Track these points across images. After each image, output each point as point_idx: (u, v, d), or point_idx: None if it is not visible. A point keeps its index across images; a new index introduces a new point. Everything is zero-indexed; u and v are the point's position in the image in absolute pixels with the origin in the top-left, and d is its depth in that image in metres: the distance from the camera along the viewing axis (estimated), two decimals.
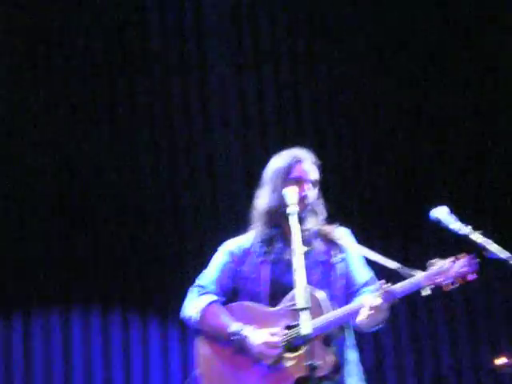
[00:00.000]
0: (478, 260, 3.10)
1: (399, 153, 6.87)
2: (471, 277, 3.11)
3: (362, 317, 3.21)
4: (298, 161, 3.50)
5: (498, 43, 6.72)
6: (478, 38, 6.78)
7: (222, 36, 6.81)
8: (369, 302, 3.16)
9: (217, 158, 6.78)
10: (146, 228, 6.60)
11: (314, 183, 3.48)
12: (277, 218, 3.45)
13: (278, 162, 3.54)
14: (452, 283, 3.09)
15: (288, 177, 3.46)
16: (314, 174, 3.50)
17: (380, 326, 3.28)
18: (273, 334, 3.28)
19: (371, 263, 3.47)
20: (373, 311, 3.15)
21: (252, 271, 3.45)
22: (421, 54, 6.85)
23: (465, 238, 3.16)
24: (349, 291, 3.42)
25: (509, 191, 6.77)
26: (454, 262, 3.12)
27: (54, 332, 6.22)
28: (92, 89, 6.52)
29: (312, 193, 3.45)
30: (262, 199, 3.53)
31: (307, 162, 3.51)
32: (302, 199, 3.36)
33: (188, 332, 5.91)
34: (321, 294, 3.25)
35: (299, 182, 3.44)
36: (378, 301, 3.13)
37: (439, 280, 3.09)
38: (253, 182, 3.69)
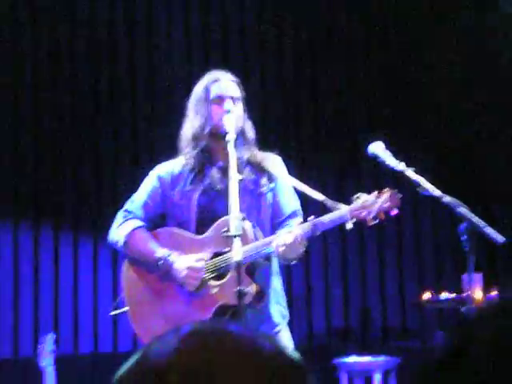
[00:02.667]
0: (400, 195, 3.12)
1: (337, 89, 6.88)
2: (393, 212, 3.12)
3: (275, 249, 3.20)
4: (215, 80, 3.46)
5: None
6: None
7: None
8: (282, 239, 3.16)
9: (156, 86, 6.73)
10: (85, 151, 6.58)
11: (234, 99, 3.43)
12: (203, 141, 3.43)
13: (197, 86, 3.51)
14: (375, 218, 3.10)
15: (208, 98, 3.42)
16: (232, 90, 3.45)
17: (293, 261, 3.28)
18: (197, 260, 3.27)
19: (299, 194, 3.47)
20: (284, 247, 3.14)
21: (181, 197, 3.42)
22: None
23: (400, 174, 3.18)
24: (275, 221, 3.42)
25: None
26: (377, 197, 3.12)
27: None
28: None
29: (235, 109, 3.40)
30: (187, 126, 3.49)
31: (224, 80, 3.47)
32: (228, 115, 3.34)
33: (119, 253, 5.92)
34: (247, 223, 3.24)
35: (220, 100, 3.41)
36: (290, 239, 3.13)
37: (363, 214, 3.10)
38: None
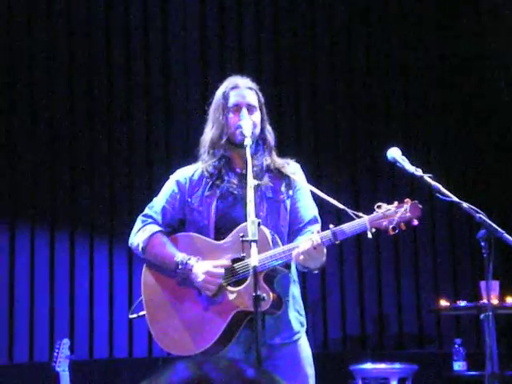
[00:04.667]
0: (421, 206, 3.11)
1: (356, 97, 6.89)
2: (414, 222, 3.11)
3: (295, 258, 3.19)
4: (233, 87, 3.46)
5: None
6: None
7: None
8: (302, 247, 3.14)
9: (172, 92, 6.76)
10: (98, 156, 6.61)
11: (251, 107, 3.43)
12: (221, 149, 3.43)
13: (217, 92, 3.52)
14: (395, 228, 3.08)
15: (226, 105, 3.42)
16: (250, 97, 3.45)
17: (315, 271, 3.23)
18: (216, 266, 3.27)
19: (316, 202, 3.46)
20: (303, 256, 3.12)
21: (200, 203, 3.42)
22: None
23: (419, 180, 3.17)
24: (293, 228, 3.40)
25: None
26: (398, 207, 3.11)
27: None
28: None
29: (252, 117, 3.40)
30: (207, 132, 3.50)
31: (243, 87, 3.46)
32: (244, 121, 3.34)
33: (134, 257, 5.95)
34: (267, 230, 3.24)
35: (237, 108, 3.42)
36: (308, 245, 3.10)
37: (383, 224, 3.08)
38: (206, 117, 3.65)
